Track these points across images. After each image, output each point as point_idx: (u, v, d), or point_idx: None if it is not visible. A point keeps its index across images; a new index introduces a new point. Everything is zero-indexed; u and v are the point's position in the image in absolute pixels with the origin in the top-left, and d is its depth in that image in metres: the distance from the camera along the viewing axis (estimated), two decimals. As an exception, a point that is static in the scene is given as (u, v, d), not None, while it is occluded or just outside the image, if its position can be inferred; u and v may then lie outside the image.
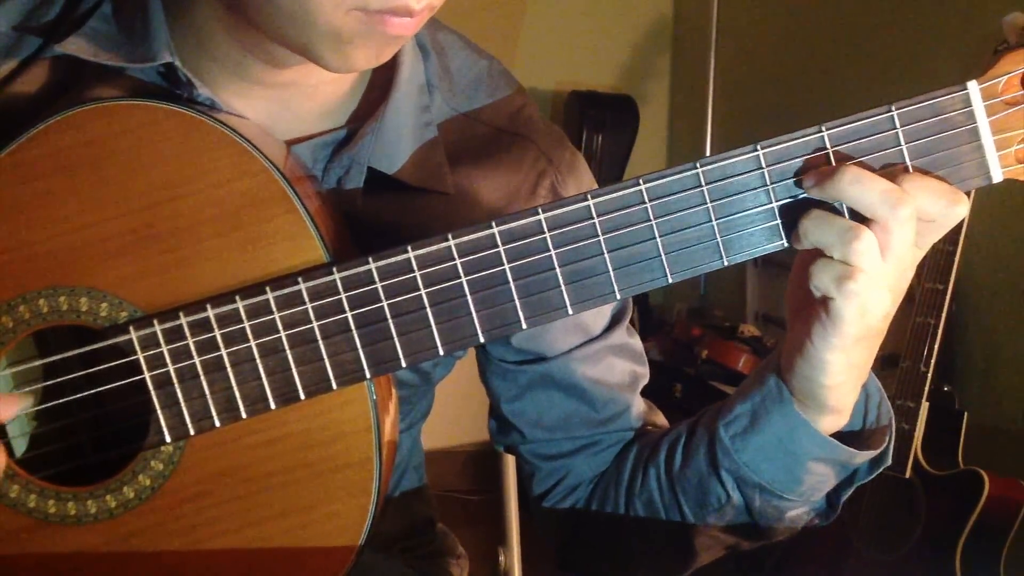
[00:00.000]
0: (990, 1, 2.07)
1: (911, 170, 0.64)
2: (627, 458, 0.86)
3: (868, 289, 0.63)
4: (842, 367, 0.68)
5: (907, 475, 1.82)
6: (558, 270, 0.66)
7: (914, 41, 2.34)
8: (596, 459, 0.88)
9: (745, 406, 0.75)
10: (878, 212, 0.62)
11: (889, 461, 0.76)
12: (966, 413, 1.87)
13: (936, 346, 1.76)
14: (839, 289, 0.63)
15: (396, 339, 0.67)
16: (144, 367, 0.67)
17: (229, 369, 0.67)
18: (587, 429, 0.87)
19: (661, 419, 0.92)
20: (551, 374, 0.86)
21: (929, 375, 1.78)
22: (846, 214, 0.64)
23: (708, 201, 0.65)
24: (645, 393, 0.92)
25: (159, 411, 0.68)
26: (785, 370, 0.72)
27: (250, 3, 0.68)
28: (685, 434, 0.81)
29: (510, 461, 1.34)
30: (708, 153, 2.98)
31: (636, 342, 0.91)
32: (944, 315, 1.74)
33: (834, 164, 0.64)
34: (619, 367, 0.88)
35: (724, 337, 2.36)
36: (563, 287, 0.66)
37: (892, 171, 0.64)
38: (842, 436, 0.74)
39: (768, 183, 0.65)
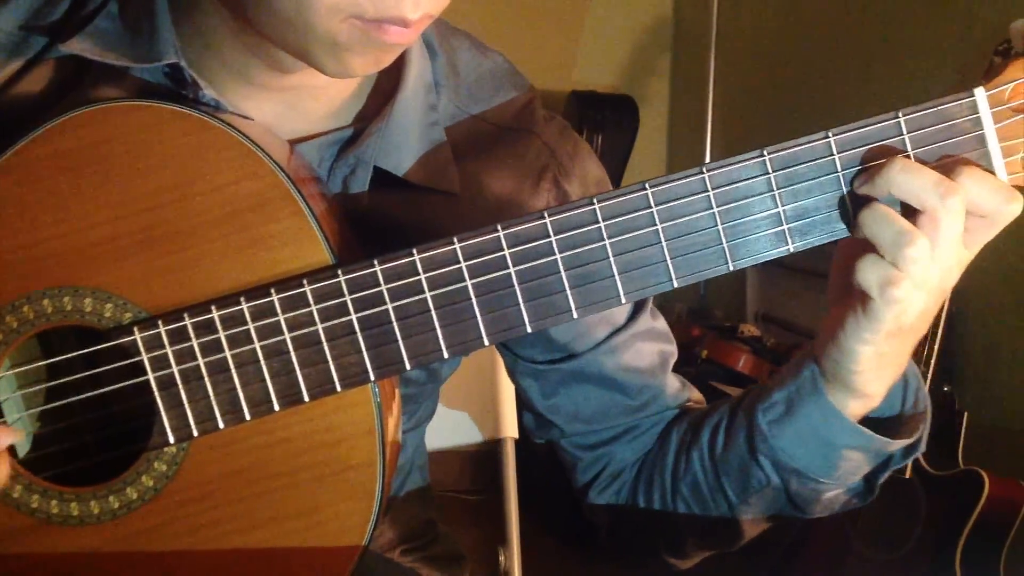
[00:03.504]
0: (989, 4, 2.07)
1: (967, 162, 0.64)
2: (669, 443, 0.87)
3: (909, 295, 0.63)
4: (871, 357, 0.68)
5: (907, 475, 1.82)
6: (563, 274, 0.66)
7: (913, 38, 2.34)
8: (637, 443, 0.89)
9: (781, 394, 0.76)
10: (927, 201, 0.62)
11: (923, 448, 0.76)
12: (966, 413, 1.87)
13: (936, 346, 1.77)
14: (881, 293, 0.63)
15: (401, 342, 0.67)
16: (148, 368, 0.67)
17: (233, 371, 0.67)
18: (625, 416, 0.88)
19: (696, 393, 0.93)
20: (582, 369, 0.87)
21: (929, 375, 1.78)
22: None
23: (714, 206, 0.65)
24: None
25: (163, 412, 0.68)
26: (818, 350, 0.73)
27: (251, 8, 0.68)
28: (727, 417, 0.82)
29: (510, 461, 1.34)
30: (708, 153, 2.99)
31: (661, 323, 0.91)
32: (944, 315, 1.74)
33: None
34: (647, 351, 0.88)
35: (724, 337, 2.35)
36: (568, 291, 0.66)
37: (947, 163, 0.64)
38: (880, 421, 0.75)
39: (774, 188, 0.65)
